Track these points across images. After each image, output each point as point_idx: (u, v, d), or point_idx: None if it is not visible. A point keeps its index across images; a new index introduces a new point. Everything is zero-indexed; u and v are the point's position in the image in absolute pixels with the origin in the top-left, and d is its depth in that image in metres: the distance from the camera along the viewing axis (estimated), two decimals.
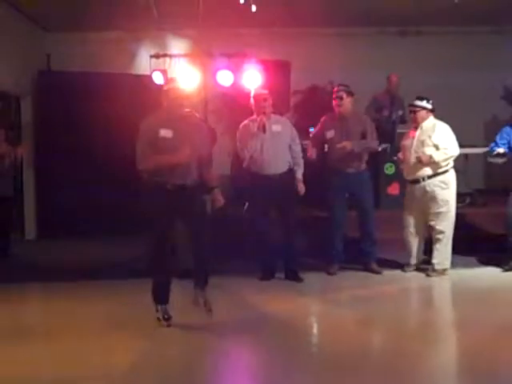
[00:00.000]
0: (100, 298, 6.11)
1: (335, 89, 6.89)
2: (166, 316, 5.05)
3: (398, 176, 7.40)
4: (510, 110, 9.84)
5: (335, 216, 6.81)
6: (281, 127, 6.62)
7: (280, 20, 8.90)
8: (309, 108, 9.13)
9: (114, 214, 8.63)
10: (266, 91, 6.77)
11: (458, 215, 6.87)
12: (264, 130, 6.51)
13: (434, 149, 6.52)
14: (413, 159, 6.58)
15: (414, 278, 6.69)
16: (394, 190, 7.74)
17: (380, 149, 8.20)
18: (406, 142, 6.82)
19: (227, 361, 4.53)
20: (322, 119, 7.00)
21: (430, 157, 6.48)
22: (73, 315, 5.55)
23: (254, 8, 8.32)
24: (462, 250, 7.42)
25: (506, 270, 6.71)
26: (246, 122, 6.67)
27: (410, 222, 6.76)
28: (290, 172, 6.59)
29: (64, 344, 4.78)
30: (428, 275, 6.63)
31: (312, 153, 6.81)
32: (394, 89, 9.06)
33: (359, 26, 9.60)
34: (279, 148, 6.53)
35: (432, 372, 4.21)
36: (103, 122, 8.84)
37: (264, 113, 6.54)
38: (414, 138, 6.69)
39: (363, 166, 6.88)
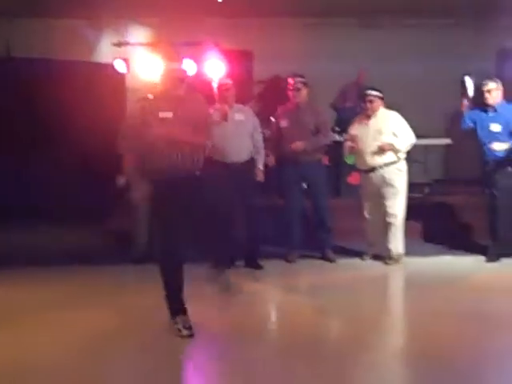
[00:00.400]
0: (48, 284, 6.05)
1: (292, 80, 6.93)
2: (186, 325, 4.61)
3: None
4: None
5: (291, 204, 6.88)
6: (243, 116, 6.67)
7: (243, 10, 8.91)
8: (271, 98, 9.16)
9: (63, 202, 8.46)
10: (229, 81, 6.80)
11: (418, 205, 6.98)
12: (226, 119, 6.53)
13: (392, 137, 6.60)
14: (373, 148, 6.62)
15: (371, 266, 6.76)
16: (354, 179, 7.79)
17: (342, 139, 8.30)
18: (356, 132, 6.79)
19: (186, 348, 4.52)
20: (278, 110, 7.04)
21: (391, 144, 6.57)
22: (18, 303, 5.47)
23: None
24: (423, 238, 7.61)
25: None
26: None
27: (368, 210, 6.84)
28: (252, 161, 6.64)
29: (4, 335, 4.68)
30: (386, 263, 6.72)
31: (270, 160, 6.89)
32: (361, 81, 9.37)
33: (321, 17, 9.64)
34: (241, 136, 6.58)
35: (386, 358, 4.27)
36: (63, 109, 8.71)
37: (226, 102, 6.58)
38: (367, 126, 6.71)
39: (318, 155, 6.95)
